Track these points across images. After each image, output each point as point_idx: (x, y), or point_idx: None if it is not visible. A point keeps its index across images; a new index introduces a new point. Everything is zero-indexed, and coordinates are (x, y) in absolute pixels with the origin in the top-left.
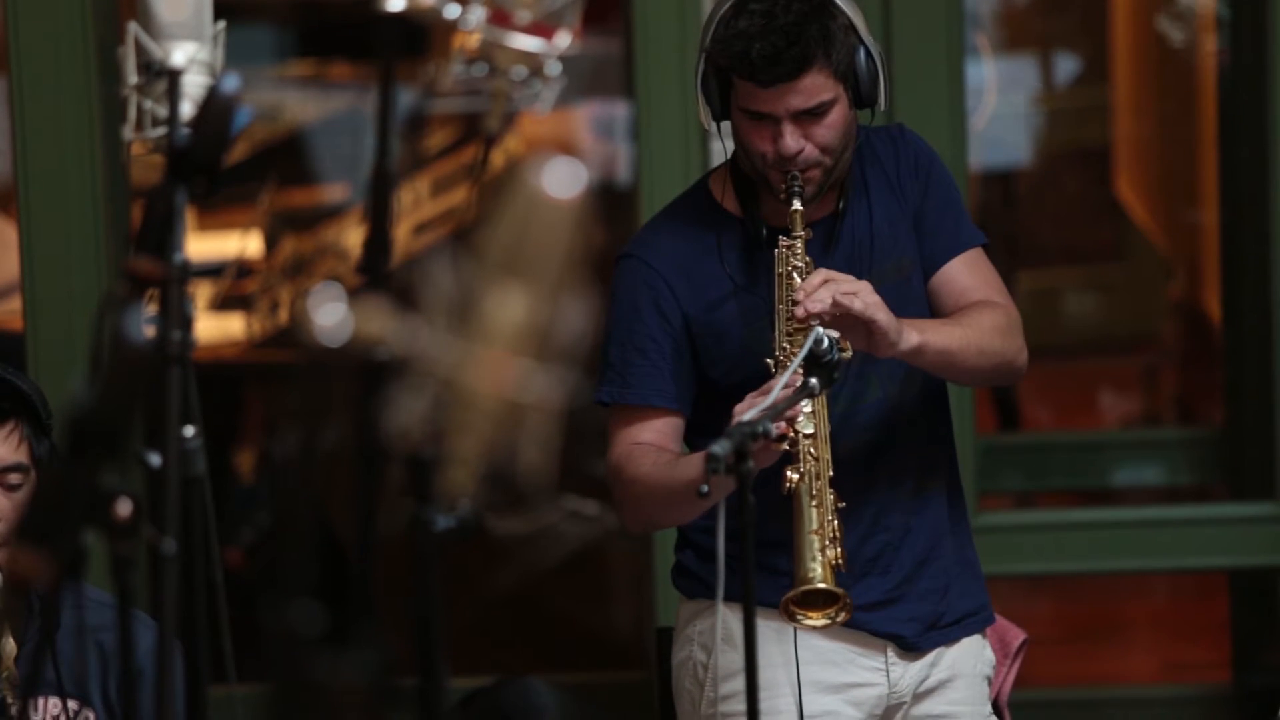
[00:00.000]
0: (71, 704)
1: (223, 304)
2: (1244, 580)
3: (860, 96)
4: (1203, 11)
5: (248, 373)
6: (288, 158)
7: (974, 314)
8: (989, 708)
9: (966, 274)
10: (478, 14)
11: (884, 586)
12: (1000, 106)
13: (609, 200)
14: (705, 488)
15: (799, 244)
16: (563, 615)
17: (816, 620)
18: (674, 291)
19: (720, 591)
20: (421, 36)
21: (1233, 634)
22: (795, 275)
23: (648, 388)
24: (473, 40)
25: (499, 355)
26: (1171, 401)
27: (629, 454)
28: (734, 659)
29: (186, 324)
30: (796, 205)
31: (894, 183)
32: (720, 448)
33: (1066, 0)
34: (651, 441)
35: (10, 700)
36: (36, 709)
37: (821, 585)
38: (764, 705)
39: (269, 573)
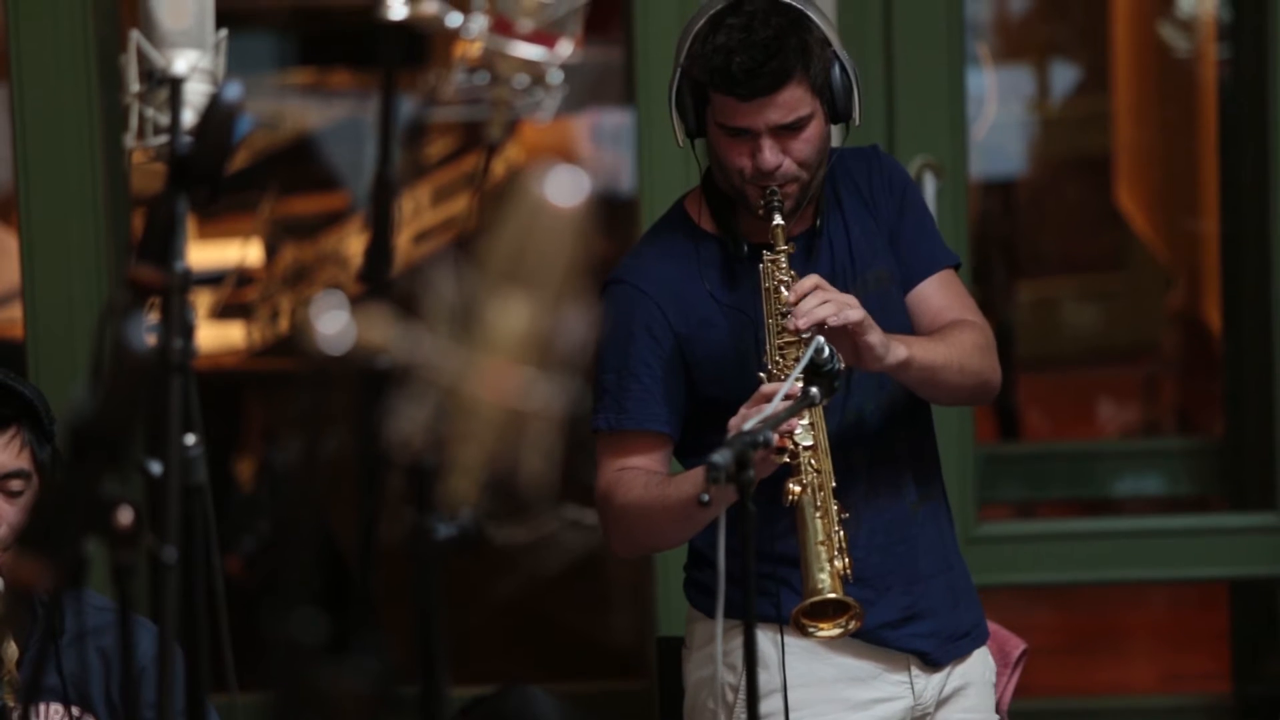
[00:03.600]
0: (74, 710)
1: (224, 312)
2: (1244, 590)
3: (836, 111)
4: (1204, 20)
5: (249, 381)
6: (289, 166)
7: (955, 332)
8: (995, 714)
9: (941, 294)
10: (479, 22)
11: (903, 602)
12: (1001, 116)
13: (610, 209)
14: (706, 496)
15: (783, 258)
16: (564, 624)
17: (828, 631)
18: (665, 314)
19: (720, 605)
20: (423, 45)
21: (1233, 644)
22: (782, 289)
23: (643, 413)
24: (474, 48)
25: (501, 364)
26: (1171, 411)
27: (618, 480)
28: (765, 679)
29: (187, 332)
30: (778, 220)
31: (867, 197)
32: (721, 457)
33: (1067, 9)
34: (641, 466)
35: (12, 705)
36: (39, 715)
37: (832, 596)
38: None
39: (270, 581)
